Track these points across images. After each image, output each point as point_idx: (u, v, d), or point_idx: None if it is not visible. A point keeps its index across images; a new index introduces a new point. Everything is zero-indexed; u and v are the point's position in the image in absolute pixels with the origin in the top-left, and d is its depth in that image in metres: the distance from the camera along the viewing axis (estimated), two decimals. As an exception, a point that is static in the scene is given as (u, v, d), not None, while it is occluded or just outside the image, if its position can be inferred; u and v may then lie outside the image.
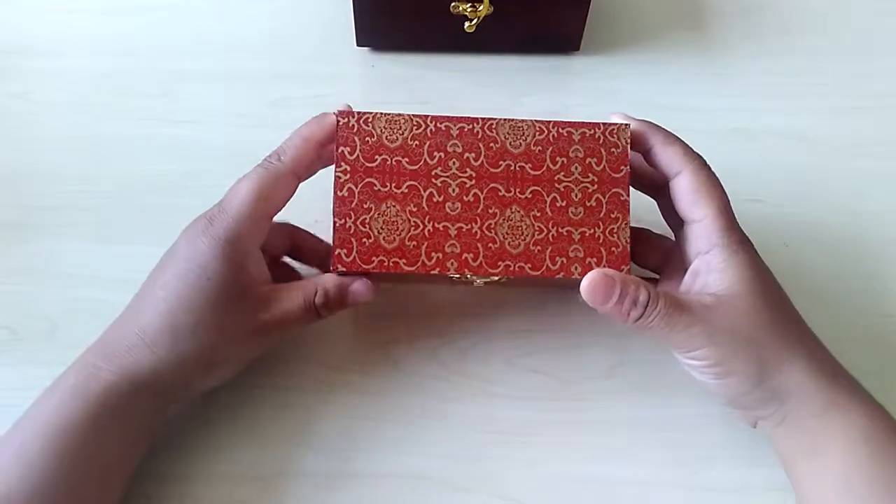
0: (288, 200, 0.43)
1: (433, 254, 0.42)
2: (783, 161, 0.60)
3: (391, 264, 0.41)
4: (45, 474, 0.37)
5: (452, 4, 0.61)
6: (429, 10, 0.61)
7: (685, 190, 0.42)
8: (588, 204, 0.43)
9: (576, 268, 0.42)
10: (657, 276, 0.47)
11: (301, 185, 0.44)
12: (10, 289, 0.52)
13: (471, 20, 0.61)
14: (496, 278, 0.43)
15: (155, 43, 0.65)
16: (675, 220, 0.45)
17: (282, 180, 0.42)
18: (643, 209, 0.49)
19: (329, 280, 0.42)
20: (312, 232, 0.49)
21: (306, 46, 0.65)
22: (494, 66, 0.64)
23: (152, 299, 0.41)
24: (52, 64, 0.63)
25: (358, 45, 0.64)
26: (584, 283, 0.40)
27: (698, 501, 0.45)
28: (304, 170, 0.43)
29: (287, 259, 0.50)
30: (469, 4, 0.60)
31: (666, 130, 0.44)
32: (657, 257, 0.47)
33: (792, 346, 0.40)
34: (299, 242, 0.49)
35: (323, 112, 0.44)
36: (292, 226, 0.49)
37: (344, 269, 0.41)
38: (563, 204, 0.43)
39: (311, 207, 0.46)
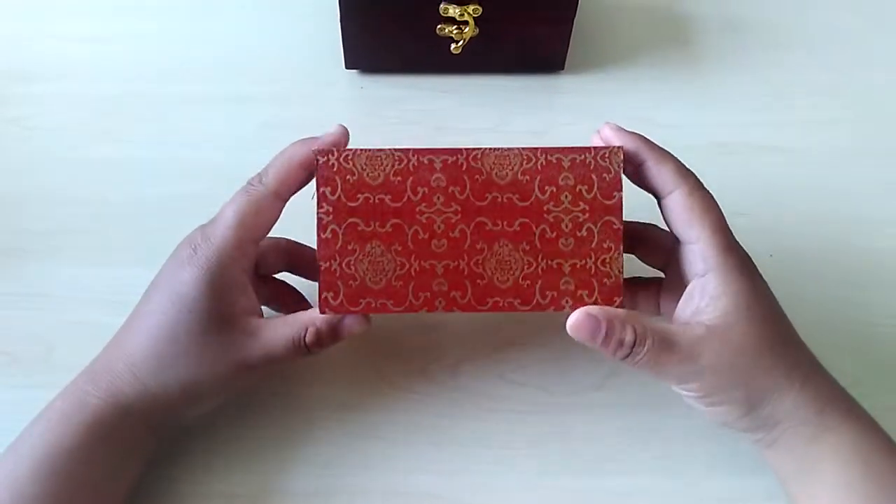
0: (273, 223, 0.43)
1: (420, 293, 0.41)
2: (767, 174, 0.61)
3: (378, 305, 0.41)
4: (34, 500, 0.37)
5: (438, 27, 0.62)
6: (415, 33, 0.63)
7: (678, 210, 0.41)
8: (579, 234, 0.42)
9: (567, 301, 0.41)
10: (663, 276, 0.46)
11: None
12: (6, 312, 0.52)
13: (457, 42, 0.63)
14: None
15: (147, 68, 0.66)
16: (681, 273, 0.43)
17: (264, 203, 0.42)
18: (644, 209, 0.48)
19: (320, 317, 0.41)
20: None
21: (296, 69, 0.66)
22: (481, 87, 0.65)
23: (138, 328, 0.41)
24: (47, 89, 0.64)
25: (346, 67, 0.65)
26: (570, 322, 0.39)
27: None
28: (287, 191, 0.43)
29: (286, 274, 0.50)
30: (455, 27, 0.62)
31: (659, 147, 0.43)
32: (663, 256, 0.46)
33: (785, 374, 0.40)
34: (296, 257, 0.48)
35: (310, 136, 0.44)
36: (288, 241, 0.48)
37: (332, 312, 0.41)
38: (553, 235, 0.42)
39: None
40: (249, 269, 0.43)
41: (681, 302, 0.42)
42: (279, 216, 0.43)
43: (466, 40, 0.62)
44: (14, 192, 0.58)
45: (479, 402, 0.49)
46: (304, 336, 0.41)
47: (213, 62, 0.67)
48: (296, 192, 0.44)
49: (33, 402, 0.47)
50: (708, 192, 0.42)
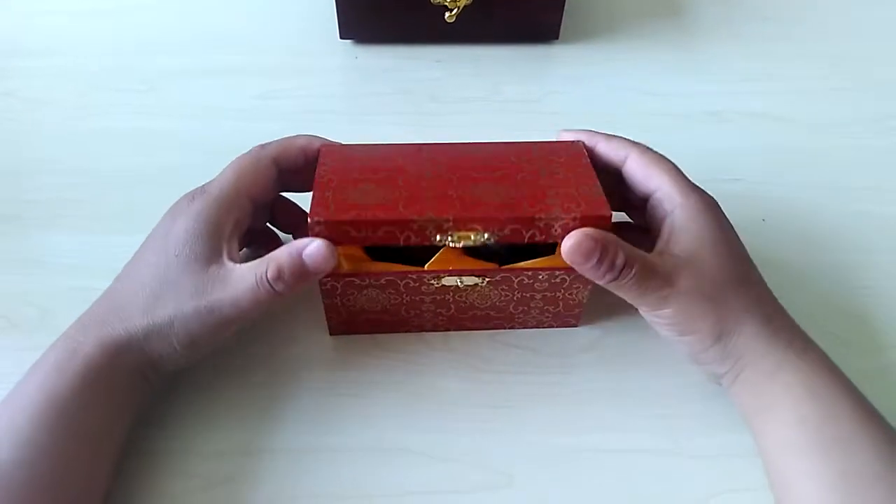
0: (269, 185, 0.44)
1: (411, 206, 0.41)
2: (760, 142, 0.62)
3: (368, 215, 0.41)
4: (35, 447, 0.38)
5: (433, -5, 0.62)
6: (410, 2, 0.63)
7: (636, 168, 0.44)
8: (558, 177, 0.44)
9: (556, 211, 0.41)
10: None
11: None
12: (3, 279, 0.52)
13: (451, 10, 0.63)
14: (478, 280, 0.43)
15: (140, 41, 0.66)
16: (653, 221, 0.45)
17: (262, 163, 0.44)
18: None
19: (281, 250, 0.41)
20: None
21: (290, 40, 0.66)
22: (475, 56, 0.65)
23: (128, 274, 0.43)
24: (41, 63, 0.64)
25: (341, 37, 0.65)
26: (569, 243, 0.40)
27: (682, 468, 0.46)
28: (284, 161, 0.44)
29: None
30: (449, -5, 0.62)
31: (601, 133, 0.47)
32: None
33: (748, 309, 0.42)
34: (279, 207, 0.49)
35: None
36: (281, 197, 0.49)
37: (320, 220, 0.41)
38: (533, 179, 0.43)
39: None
40: (241, 223, 0.44)
41: (660, 235, 0.44)
42: (274, 181, 0.45)
43: (460, 9, 0.62)
44: (9, 162, 0.58)
45: (471, 363, 0.49)
46: (266, 272, 0.40)
47: (206, 34, 0.67)
48: (292, 170, 0.45)
49: (28, 365, 0.48)
50: (658, 152, 0.45)
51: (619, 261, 0.40)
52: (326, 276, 0.43)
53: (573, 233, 0.40)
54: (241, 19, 0.68)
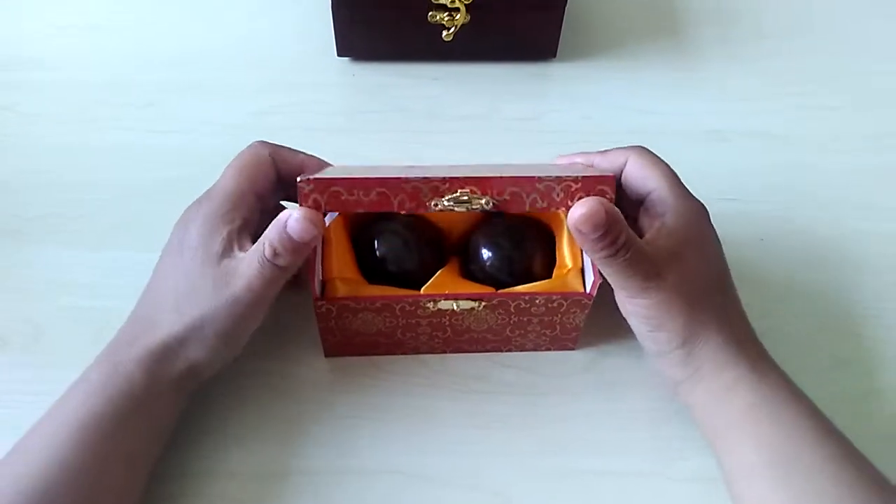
0: (271, 182, 0.45)
1: (405, 172, 0.40)
2: (758, 160, 0.61)
3: (359, 175, 0.40)
4: (76, 467, 0.38)
5: (430, 14, 0.62)
6: (407, 20, 0.63)
7: (634, 170, 0.45)
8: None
9: (558, 173, 0.40)
10: None
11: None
12: (-2, 296, 0.52)
13: (448, 29, 0.63)
14: (475, 304, 0.43)
15: (140, 56, 0.66)
16: (646, 222, 0.46)
17: (262, 159, 0.45)
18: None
19: (270, 228, 0.41)
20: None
21: (288, 57, 0.66)
22: (472, 74, 0.65)
23: (152, 288, 0.44)
24: (40, 76, 0.64)
25: (338, 55, 0.65)
26: (580, 210, 0.39)
27: (676, 491, 0.45)
28: (282, 161, 0.45)
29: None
30: (446, 13, 0.62)
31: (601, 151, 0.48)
32: None
33: (719, 318, 0.43)
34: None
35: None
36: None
37: (310, 181, 0.40)
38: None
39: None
40: (249, 221, 0.44)
41: (650, 234, 0.44)
42: (275, 184, 0.45)
43: (458, 27, 0.62)
44: (7, 176, 0.58)
45: (468, 384, 0.49)
46: (264, 252, 0.41)
47: (205, 50, 0.67)
48: (289, 176, 0.45)
49: (22, 384, 0.48)
50: (656, 155, 0.46)
51: (622, 239, 0.40)
52: (321, 300, 0.43)
53: (585, 199, 0.39)
54: (238, 36, 0.68)
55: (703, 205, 0.45)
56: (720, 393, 0.42)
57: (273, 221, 0.41)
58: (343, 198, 0.40)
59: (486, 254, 0.47)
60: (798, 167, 0.61)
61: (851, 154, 0.62)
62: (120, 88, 0.64)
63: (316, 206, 0.40)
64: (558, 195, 0.40)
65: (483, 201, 0.40)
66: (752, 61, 0.68)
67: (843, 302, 0.54)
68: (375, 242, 0.47)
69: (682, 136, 0.63)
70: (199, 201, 0.44)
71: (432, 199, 0.40)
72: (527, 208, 0.40)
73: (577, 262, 0.46)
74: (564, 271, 0.46)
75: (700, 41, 0.70)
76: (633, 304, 0.43)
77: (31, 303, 0.52)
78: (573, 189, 0.40)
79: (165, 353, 0.41)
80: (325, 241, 0.46)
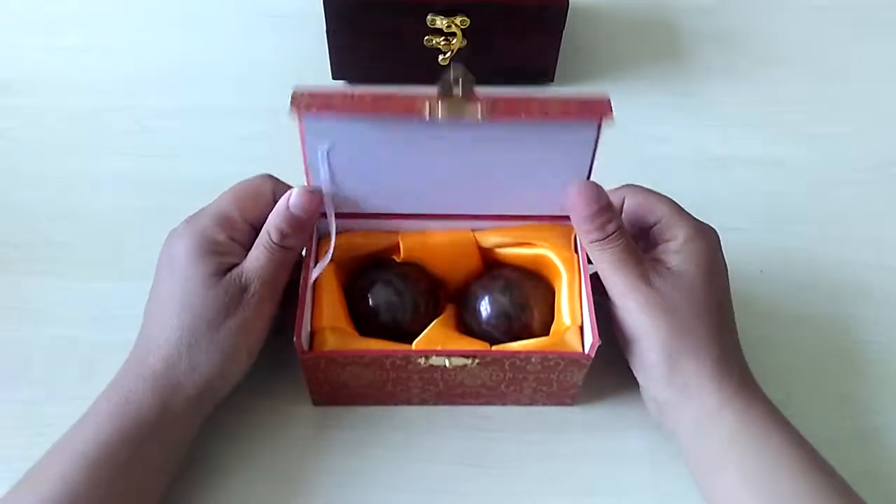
0: (266, 207, 0.44)
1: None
2: (758, 189, 0.60)
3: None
4: (87, 501, 0.38)
5: (426, 38, 0.61)
6: (403, 44, 0.62)
7: (634, 204, 0.45)
8: None
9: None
10: None
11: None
12: (-17, 327, 0.51)
13: (445, 53, 0.62)
14: (468, 361, 0.42)
15: (131, 80, 0.65)
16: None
17: (262, 191, 0.45)
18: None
19: (272, 216, 0.43)
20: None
21: (282, 81, 0.64)
22: (470, 98, 0.65)
23: (150, 311, 0.43)
24: (29, 101, 0.64)
25: (333, 78, 0.65)
26: (577, 187, 0.42)
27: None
28: (280, 191, 0.44)
29: None
30: (443, 38, 0.61)
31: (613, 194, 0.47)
32: None
33: (710, 341, 0.42)
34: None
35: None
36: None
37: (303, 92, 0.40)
38: None
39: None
40: (240, 241, 0.44)
41: (652, 253, 0.44)
42: (267, 208, 0.44)
43: (454, 52, 0.62)
44: (-6, 204, 0.57)
45: (462, 422, 0.47)
46: (271, 238, 0.42)
47: (198, 74, 0.66)
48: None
49: (12, 419, 0.47)
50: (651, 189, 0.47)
51: (615, 224, 0.42)
52: (308, 353, 0.42)
53: (582, 181, 0.42)
54: (231, 60, 0.67)
55: (712, 229, 0.45)
56: (705, 419, 0.41)
57: (273, 211, 0.43)
58: (335, 101, 0.39)
59: (483, 309, 0.46)
60: (800, 196, 0.60)
61: (854, 183, 0.61)
62: (108, 114, 0.63)
63: (307, 108, 0.39)
64: (554, 108, 0.40)
65: (478, 107, 0.39)
66: (753, 86, 0.68)
67: (847, 336, 0.52)
68: (368, 292, 0.46)
69: (681, 163, 0.62)
70: (188, 221, 0.44)
71: (425, 103, 0.39)
72: (521, 116, 0.39)
73: (577, 320, 0.44)
74: (563, 329, 0.45)
75: (700, 65, 0.69)
76: (620, 309, 0.43)
77: (19, 335, 0.51)
78: (570, 105, 0.40)
79: (178, 379, 0.41)
80: (315, 289, 0.45)
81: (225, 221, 0.43)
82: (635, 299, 0.42)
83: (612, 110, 0.40)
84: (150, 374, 0.41)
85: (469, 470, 0.46)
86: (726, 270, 0.45)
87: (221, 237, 0.43)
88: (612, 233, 0.42)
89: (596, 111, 0.40)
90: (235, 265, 0.42)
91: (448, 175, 0.44)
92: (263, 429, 0.47)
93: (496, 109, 0.39)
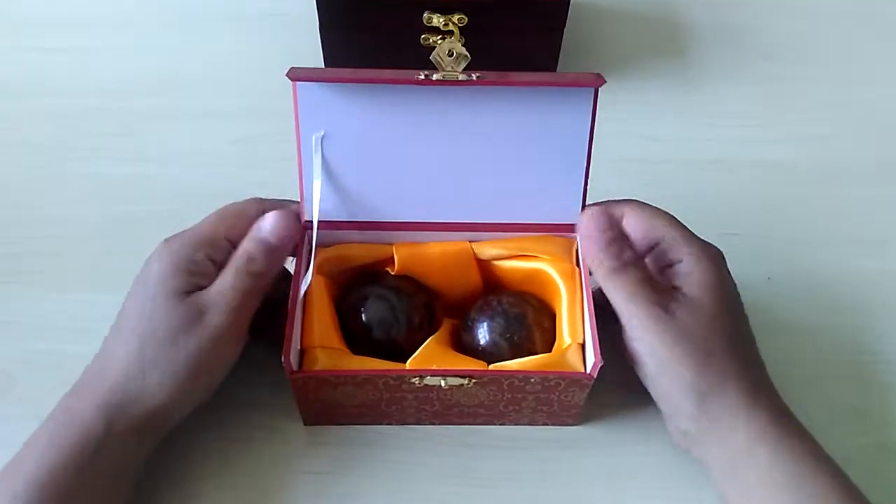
0: (244, 226, 0.43)
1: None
2: (763, 191, 0.59)
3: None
4: None
5: (423, 37, 0.60)
6: (399, 43, 0.60)
7: (635, 223, 0.43)
8: None
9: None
10: None
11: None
12: (-35, 342, 0.50)
13: (442, 52, 0.60)
14: (464, 381, 0.41)
15: (119, 81, 0.64)
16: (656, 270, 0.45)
17: (248, 213, 0.43)
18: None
19: (245, 240, 0.42)
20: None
21: (272, 81, 0.63)
22: (467, 98, 0.63)
23: (115, 328, 0.41)
24: (11, 104, 0.62)
25: (327, 79, 0.63)
26: (584, 217, 0.43)
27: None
28: (270, 206, 0.44)
29: None
30: (439, 36, 0.59)
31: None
32: None
33: (737, 370, 0.40)
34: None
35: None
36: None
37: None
38: None
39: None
40: (219, 262, 0.42)
41: (676, 271, 0.43)
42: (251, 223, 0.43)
43: (451, 51, 0.60)
44: (-25, 211, 0.56)
45: (456, 438, 0.46)
46: (241, 265, 0.41)
47: (188, 75, 0.64)
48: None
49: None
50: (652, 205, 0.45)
51: (628, 254, 0.41)
52: (297, 373, 0.40)
53: (592, 208, 0.43)
54: (222, 61, 0.65)
55: (717, 248, 0.44)
56: (738, 455, 0.39)
57: (248, 234, 0.42)
58: (332, 74, 0.41)
59: (481, 329, 0.44)
60: (804, 199, 0.59)
61: (860, 185, 0.60)
62: (97, 116, 0.61)
63: (304, 76, 0.40)
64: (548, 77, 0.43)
65: (473, 76, 0.40)
66: (757, 84, 0.66)
67: (859, 347, 0.51)
68: (361, 307, 0.44)
69: (683, 164, 0.60)
70: (168, 240, 0.42)
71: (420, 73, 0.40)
72: (515, 79, 0.40)
73: (578, 337, 0.43)
74: (563, 347, 0.43)
75: (703, 63, 0.67)
76: (638, 342, 0.41)
77: (0, 349, 0.49)
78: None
79: (126, 398, 0.39)
80: (305, 306, 0.43)
81: (205, 240, 0.42)
82: (656, 333, 0.40)
83: (604, 80, 0.41)
84: (101, 395, 0.39)
85: (457, 486, 0.45)
86: (736, 289, 0.43)
87: (199, 256, 0.41)
88: (628, 261, 0.41)
89: (591, 81, 0.41)
90: (204, 287, 0.41)
91: (444, 157, 0.43)
92: (252, 443, 0.46)
93: (490, 77, 0.40)
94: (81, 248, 0.54)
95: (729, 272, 0.43)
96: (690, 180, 0.59)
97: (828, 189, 0.59)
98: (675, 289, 0.41)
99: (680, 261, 0.42)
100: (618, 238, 0.42)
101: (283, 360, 0.39)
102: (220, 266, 0.42)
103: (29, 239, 0.54)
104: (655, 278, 0.42)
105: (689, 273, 0.41)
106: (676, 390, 0.40)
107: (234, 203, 0.44)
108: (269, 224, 0.42)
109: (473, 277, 0.46)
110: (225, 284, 0.41)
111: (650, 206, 0.44)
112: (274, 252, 0.42)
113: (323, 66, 0.62)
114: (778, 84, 0.66)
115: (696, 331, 0.40)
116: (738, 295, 0.43)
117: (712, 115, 0.64)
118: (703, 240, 0.43)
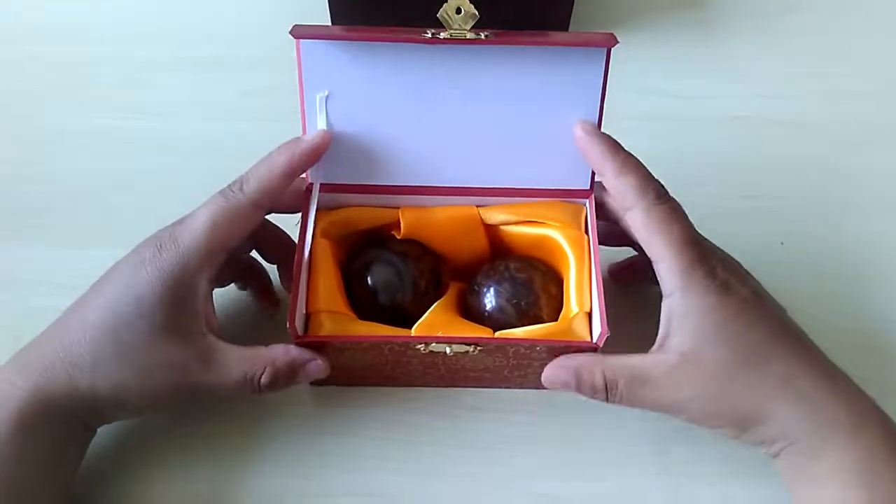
0: (249, 231, 0.40)
1: None
2: (782, 152, 0.57)
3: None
4: None
5: (432, -12, 0.57)
6: (407, -6, 0.58)
7: (637, 228, 0.39)
8: None
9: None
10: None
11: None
12: (-30, 298, 0.49)
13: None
14: (469, 348, 0.40)
15: (120, 28, 0.62)
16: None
17: (241, 212, 0.39)
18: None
19: (280, 355, 0.39)
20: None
21: (278, 30, 0.61)
22: (478, 50, 0.61)
23: (81, 321, 0.38)
24: (7, 52, 0.60)
25: (333, 25, 0.61)
26: (543, 377, 0.40)
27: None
28: (268, 200, 0.40)
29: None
30: (449, -13, 0.57)
31: (622, 155, 0.40)
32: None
33: (770, 394, 0.38)
34: (263, 235, 0.45)
35: (297, 137, 0.41)
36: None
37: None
38: None
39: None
40: (216, 277, 0.40)
41: (661, 319, 0.39)
42: (256, 224, 0.41)
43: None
44: (-27, 167, 0.55)
45: (457, 402, 0.46)
46: (260, 376, 0.39)
47: (192, 23, 0.63)
48: (278, 199, 0.41)
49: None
50: (669, 203, 0.39)
51: (599, 382, 0.39)
52: (302, 338, 0.40)
53: (546, 367, 0.40)
54: (228, 9, 0.64)
55: (718, 264, 0.39)
56: (805, 459, 0.38)
57: (283, 353, 0.39)
58: (336, 32, 0.40)
59: (487, 301, 0.43)
60: (824, 161, 0.57)
61: (884, 148, 0.57)
62: (100, 66, 0.60)
63: (307, 33, 0.39)
64: (559, 37, 0.41)
65: (481, 35, 0.39)
66: (780, 38, 0.63)
67: (870, 315, 0.50)
68: (366, 272, 0.43)
69: (700, 122, 0.59)
70: (158, 244, 0.39)
71: (427, 31, 0.38)
72: (525, 39, 0.39)
73: (585, 306, 0.42)
74: (570, 315, 0.42)
75: (724, 14, 0.65)
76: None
77: (6, 306, 0.49)
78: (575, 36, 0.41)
79: (71, 395, 0.37)
80: (310, 270, 0.42)
81: (202, 261, 0.38)
82: (681, 416, 0.39)
83: (616, 40, 0.39)
84: (49, 384, 0.37)
85: (456, 449, 0.45)
86: (751, 304, 0.39)
87: (199, 281, 0.38)
88: (605, 387, 0.39)
89: (603, 41, 0.39)
90: (204, 329, 0.39)
91: (451, 118, 0.42)
92: (258, 404, 0.46)
93: (500, 36, 0.38)
94: (88, 203, 0.53)
95: (734, 292, 0.38)
96: (708, 139, 0.57)
97: (850, 150, 0.57)
98: (671, 351, 0.38)
99: (671, 295, 0.38)
100: (579, 380, 0.39)
101: (288, 324, 0.39)
102: (217, 281, 0.40)
103: (34, 194, 0.54)
104: (640, 369, 0.38)
105: (683, 316, 0.38)
106: (725, 434, 0.40)
107: (220, 202, 0.39)
108: (314, 368, 0.40)
109: (480, 242, 0.46)
110: (232, 377, 0.38)
111: (658, 210, 0.39)
112: (295, 382, 0.40)
113: (328, 13, 0.60)
114: (804, 37, 0.63)
115: (709, 390, 0.38)
116: (749, 312, 0.38)
117: (733, 70, 0.62)
118: (702, 263, 0.38)
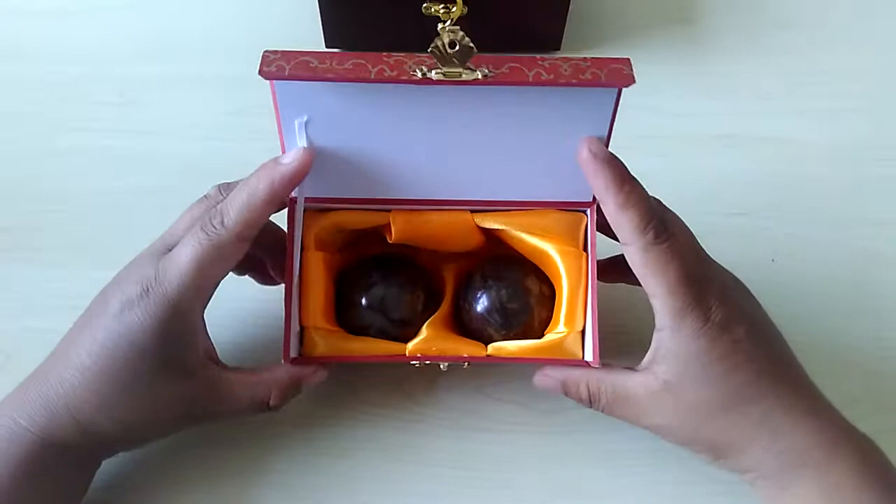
0: (236, 263, 0.40)
1: None
2: (773, 169, 0.57)
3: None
4: None
5: (424, 6, 0.57)
6: (400, 12, 0.58)
7: (634, 265, 0.38)
8: None
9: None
10: None
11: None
12: (-40, 319, 0.49)
13: (444, 22, 0.58)
14: (462, 365, 0.40)
15: (112, 46, 0.62)
16: None
17: (226, 250, 0.38)
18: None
19: (283, 376, 0.41)
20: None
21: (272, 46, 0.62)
22: (471, 68, 0.61)
23: (79, 367, 0.38)
24: (3, 70, 0.60)
25: (327, 46, 0.61)
26: (534, 381, 0.42)
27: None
28: (252, 231, 0.39)
29: None
30: (442, 6, 0.57)
31: (626, 188, 0.38)
32: None
33: (744, 434, 0.38)
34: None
35: (276, 158, 0.39)
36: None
37: (274, 53, 0.36)
38: None
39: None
40: (205, 308, 0.40)
41: (651, 343, 0.39)
42: (242, 255, 0.39)
43: (455, 20, 0.58)
44: (-35, 186, 0.55)
45: (458, 420, 0.46)
46: (270, 400, 0.41)
47: (185, 40, 0.63)
48: (260, 225, 0.39)
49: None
50: (667, 243, 0.38)
51: (584, 394, 0.41)
52: (297, 360, 0.41)
53: (536, 374, 0.42)
54: (220, 26, 0.64)
55: (710, 305, 0.37)
56: (777, 492, 0.39)
57: (284, 372, 0.41)
58: (313, 66, 0.35)
59: (479, 306, 0.43)
60: (816, 178, 0.57)
61: (876, 164, 0.58)
62: (88, 84, 0.60)
63: (279, 73, 0.35)
64: (566, 70, 0.35)
65: (478, 73, 0.35)
66: (770, 55, 0.64)
67: (862, 334, 0.50)
68: (359, 288, 0.43)
69: (691, 140, 0.59)
70: (144, 287, 0.37)
71: (418, 66, 0.35)
72: (529, 79, 0.35)
73: (577, 325, 0.41)
74: (562, 334, 0.42)
75: (715, 31, 0.65)
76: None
77: (-5, 326, 0.49)
78: (583, 66, 0.35)
79: (82, 442, 0.38)
80: (302, 285, 0.42)
81: (192, 303, 0.38)
82: (654, 432, 0.40)
83: (633, 76, 0.35)
84: (54, 427, 0.37)
85: (460, 469, 0.45)
86: (740, 346, 0.38)
87: (193, 320, 0.38)
88: (588, 398, 0.41)
89: (616, 77, 0.35)
90: (206, 360, 0.39)
91: (443, 153, 0.40)
92: (257, 427, 0.45)
93: (500, 72, 0.35)
94: (79, 222, 0.53)
95: (725, 334, 0.37)
96: (697, 157, 0.58)
97: (842, 167, 0.57)
98: (655, 378, 0.39)
99: (662, 330, 0.38)
100: (566, 389, 0.42)
101: (283, 356, 0.40)
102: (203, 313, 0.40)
103: (24, 214, 0.53)
104: (623, 387, 0.40)
105: (670, 353, 0.38)
106: (700, 457, 0.41)
107: (203, 242, 0.38)
108: (317, 378, 0.42)
109: (475, 248, 0.45)
110: (241, 402, 0.40)
111: (656, 250, 0.37)
112: (296, 390, 0.42)
113: (322, 34, 0.60)
114: (794, 54, 0.64)
115: (687, 422, 0.39)
116: (737, 348, 0.38)
117: (722, 89, 0.62)
118: (696, 306, 0.37)
